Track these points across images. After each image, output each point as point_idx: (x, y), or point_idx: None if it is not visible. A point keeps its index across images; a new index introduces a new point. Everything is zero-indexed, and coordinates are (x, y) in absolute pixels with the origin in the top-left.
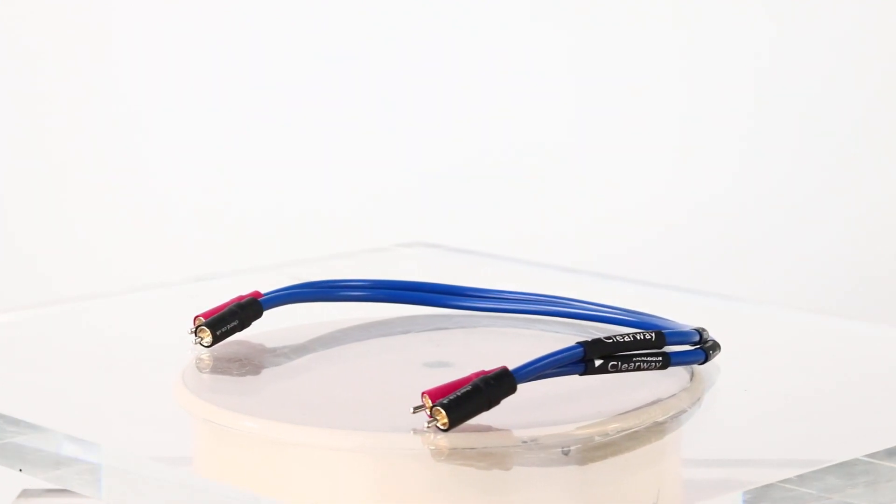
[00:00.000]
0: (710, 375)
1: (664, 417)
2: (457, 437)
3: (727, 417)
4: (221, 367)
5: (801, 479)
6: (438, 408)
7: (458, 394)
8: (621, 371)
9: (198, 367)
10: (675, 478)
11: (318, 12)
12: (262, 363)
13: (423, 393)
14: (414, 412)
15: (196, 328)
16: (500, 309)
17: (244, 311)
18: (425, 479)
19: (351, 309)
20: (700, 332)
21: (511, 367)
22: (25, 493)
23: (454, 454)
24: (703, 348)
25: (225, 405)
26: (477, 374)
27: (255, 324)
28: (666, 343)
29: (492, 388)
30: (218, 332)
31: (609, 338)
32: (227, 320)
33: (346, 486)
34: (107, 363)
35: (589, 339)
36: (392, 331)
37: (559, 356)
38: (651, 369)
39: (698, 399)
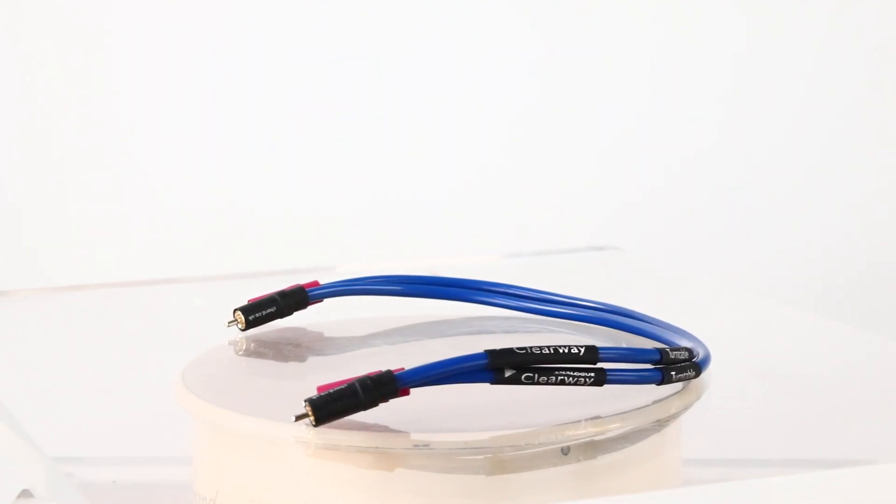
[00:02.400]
0: (710, 378)
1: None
2: (344, 435)
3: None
4: (227, 358)
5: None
6: (307, 403)
7: (331, 392)
8: (539, 384)
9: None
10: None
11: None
12: (275, 357)
13: (317, 387)
14: (304, 405)
15: (234, 311)
16: (519, 307)
17: (285, 300)
18: (301, 473)
19: (432, 307)
20: (664, 351)
21: None
22: (25, 493)
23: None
24: (662, 369)
25: (219, 403)
26: (369, 374)
27: (306, 314)
28: (599, 359)
29: (369, 389)
30: (251, 318)
31: (522, 348)
32: (264, 307)
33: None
34: (125, 353)
35: (496, 349)
36: (431, 333)
37: (458, 363)
38: (580, 385)
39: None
